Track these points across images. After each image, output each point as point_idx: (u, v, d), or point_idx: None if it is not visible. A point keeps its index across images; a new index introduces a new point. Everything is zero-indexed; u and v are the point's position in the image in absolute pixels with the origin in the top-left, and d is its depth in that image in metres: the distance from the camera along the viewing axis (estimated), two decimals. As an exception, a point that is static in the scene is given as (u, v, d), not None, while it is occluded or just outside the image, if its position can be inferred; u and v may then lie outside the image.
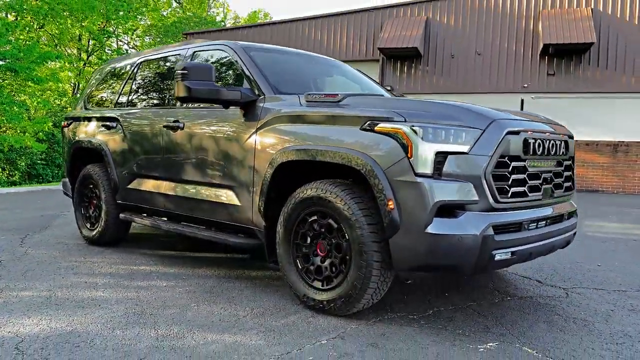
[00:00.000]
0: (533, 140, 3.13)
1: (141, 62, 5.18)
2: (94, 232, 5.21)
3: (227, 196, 3.89)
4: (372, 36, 17.87)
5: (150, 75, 5.08)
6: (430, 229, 2.81)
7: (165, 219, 4.67)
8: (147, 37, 30.55)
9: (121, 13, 20.09)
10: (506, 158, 2.98)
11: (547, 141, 3.27)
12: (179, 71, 3.63)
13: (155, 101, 4.86)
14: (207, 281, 4.00)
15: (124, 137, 4.90)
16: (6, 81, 15.98)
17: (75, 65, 22.18)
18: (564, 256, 5.10)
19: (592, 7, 15.57)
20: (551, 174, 3.34)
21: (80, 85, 24.24)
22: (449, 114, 3.00)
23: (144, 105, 4.93)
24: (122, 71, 5.46)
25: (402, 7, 17.69)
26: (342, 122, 3.23)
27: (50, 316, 3.16)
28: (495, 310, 3.42)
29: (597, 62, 15.55)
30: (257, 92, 3.79)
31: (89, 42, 24.34)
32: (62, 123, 6.14)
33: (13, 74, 15.22)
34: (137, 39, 31.56)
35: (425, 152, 2.85)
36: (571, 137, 3.69)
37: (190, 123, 4.21)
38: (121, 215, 4.96)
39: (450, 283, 4.08)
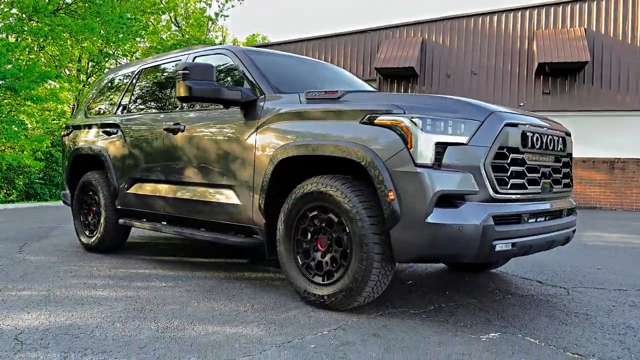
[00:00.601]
0: (531, 134, 3.17)
1: (142, 69, 5.24)
2: (92, 239, 5.20)
3: (228, 196, 3.89)
4: (369, 56, 18.09)
5: (151, 81, 5.14)
6: (430, 219, 2.82)
7: (165, 222, 4.66)
8: (147, 60, 30.68)
9: (121, 35, 20.30)
10: (505, 150, 3.01)
11: (545, 136, 3.31)
12: (180, 71, 3.67)
13: (156, 107, 4.90)
14: (207, 282, 3.98)
15: (125, 143, 4.93)
16: (5, 100, 16.09)
17: (74, 86, 22.34)
18: (564, 260, 5.10)
19: (585, 27, 15.82)
20: (549, 169, 3.37)
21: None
22: (447, 106, 3.04)
23: (145, 111, 4.97)
24: (123, 79, 5.52)
25: (398, 28, 17.96)
26: (341, 116, 3.26)
27: (49, 312, 3.14)
28: (496, 306, 3.41)
29: (592, 80, 15.74)
30: (257, 92, 3.83)
31: (88, 63, 24.57)
32: (62, 132, 6.17)
33: (13, 93, 15.33)
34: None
35: (425, 142, 2.88)
36: (568, 134, 3.73)
37: (190, 125, 4.24)
38: (120, 220, 4.95)
39: (450, 283, 4.07)
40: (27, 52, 18.90)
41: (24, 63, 16.66)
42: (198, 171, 4.15)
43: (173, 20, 30.59)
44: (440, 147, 2.89)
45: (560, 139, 3.52)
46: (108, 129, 5.19)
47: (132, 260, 4.81)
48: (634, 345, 2.72)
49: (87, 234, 5.33)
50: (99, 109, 5.75)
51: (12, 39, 17.60)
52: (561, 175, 3.52)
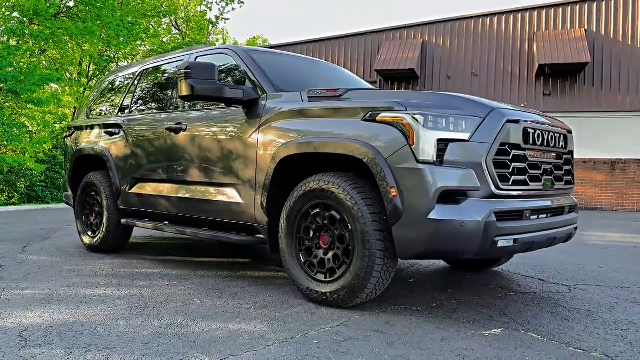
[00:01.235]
0: (533, 131, 3.18)
1: (144, 70, 5.26)
2: (95, 239, 5.21)
3: (230, 195, 3.90)
4: (370, 58, 18.12)
5: (153, 81, 5.15)
6: (432, 215, 2.83)
7: (167, 222, 4.67)
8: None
9: (122, 39, 20.34)
10: (506, 146, 3.02)
11: (547, 132, 3.32)
12: (182, 70, 3.69)
13: (158, 107, 4.91)
14: (209, 280, 3.99)
15: (127, 143, 4.94)
16: (7, 103, 16.11)
17: (75, 90, 22.36)
18: (566, 259, 5.11)
19: (586, 27, 15.85)
20: (551, 166, 3.38)
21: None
22: (449, 103, 3.05)
23: (147, 111, 4.99)
24: (125, 80, 5.53)
25: (398, 30, 17.99)
26: (343, 114, 3.27)
27: (53, 310, 3.15)
28: (498, 303, 3.42)
29: (593, 81, 15.75)
30: (259, 91, 3.85)
31: (89, 66, 24.61)
32: (65, 133, 6.19)
33: (14, 96, 15.35)
34: (137, 65, 31.76)
35: (427, 139, 2.89)
36: (570, 132, 3.74)
37: (192, 124, 4.25)
38: (123, 220, 4.96)
39: (452, 281, 4.08)
40: (28, 56, 18.92)
41: (25, 66, 16.68)
42: (200, 170, 4.16)
43: (174, 23, 30.63)
44: (442, 144, 2.90)
45: (562, 136, 3.53)
46: (110, 130, 5.20)
47: (134, 260, 4.82)
48: (636, 340, 2.73)
49: (90, 234, 5.34)
50: (101, 109, 5.76)
51: (13, 43, 17.63)
52: (563, 173, 3.53)
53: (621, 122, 15.36)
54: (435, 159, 2.88)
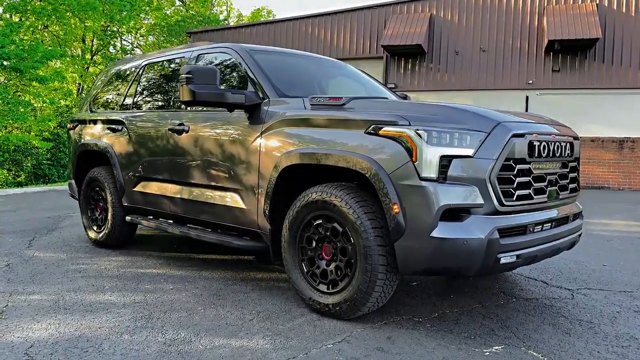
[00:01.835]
0: (538, 143, 3.13)
1: (146, 65, 5.20)
2: (101, 234, 5.25)
3: (233, 199, 3.90)
4: (376, 33, 17.84)
5: (155, 77, 5.10)
6: (435, 233, 2.81)
7: (171, 221, 4.69)
8: (151, 36, 30.65)
9: (124, 13, 20.11)
10: (511, 161, 2.98)
11: (552, 143, 3.27)
12: (183, 75, 3.64)
13: (160, 104, 4.88)
14: (214, 284, 4.02)
15: (130, 140, 4.93)
16: (11, 81, 16.07)
17: (78, 66, 22.26)
18: (570, 256, 5.09)
19: (597, 2, 15.49)
20: (556, 176, 3.34)
21: (85, 86, 24.35)
22: (453, 117, 3.00)
23: (149, 108, 4.95)
24: (127, 73, 5.48)
25: (405, 3, 17.65)
26: (346, 125, 3.23)
27: (59, 321, 3.19)
28: (500, 312, 3.43)
29: (603, 57, 15.48)
30: (261, 95, 3.80)
31: (92, 42, 24.43)
32: (68, 125, 6.18)
33: (18, 74, 15.30)
34: (141, 38, 31.67)
35: (430, 155, 2.85)
36: (576, 138, 3.68)
37: (195, 126, 4.22)
38: (127, 217, 4.99)
39: (455, 285, 4.09)
40: (31, 32, 18.78)
41: (27, 43, 16.56)
42: (204, 173, 4.14)
43: (177, -5, 30.23)
44: (446, 160, 2.86)
45: (568, 144, 3.47)
46: (113, 126, 5.18)
47: (139, 258, 4.86)
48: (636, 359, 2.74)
49: (95, 229, 5.37)
50: (104, 103, 5.73)
51: (15, 19, 17.47)
52: (568, 181, 3.49)
53: (631, 99, 15.13)
54: (438, 176, 2.85)
